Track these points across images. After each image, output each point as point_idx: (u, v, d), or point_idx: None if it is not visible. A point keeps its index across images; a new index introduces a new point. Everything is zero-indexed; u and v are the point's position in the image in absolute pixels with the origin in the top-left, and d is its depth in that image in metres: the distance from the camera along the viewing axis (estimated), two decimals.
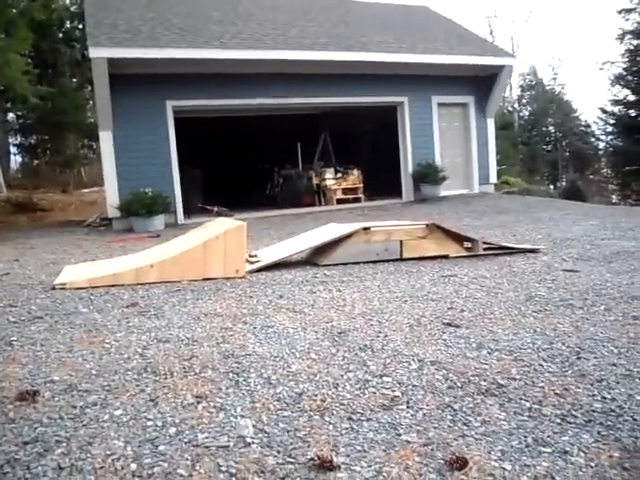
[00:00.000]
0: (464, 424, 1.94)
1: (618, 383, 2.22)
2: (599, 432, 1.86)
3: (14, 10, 16.38)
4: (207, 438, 1.88)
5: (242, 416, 2.04)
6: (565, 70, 64.59)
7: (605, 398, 2.10)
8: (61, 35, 23.16)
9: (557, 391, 2.17)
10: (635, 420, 1.92)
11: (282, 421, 2.00)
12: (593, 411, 2.00)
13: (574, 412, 2.00)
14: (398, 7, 16.29)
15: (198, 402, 2.17)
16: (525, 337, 2.83)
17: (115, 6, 11.90)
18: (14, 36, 15.46)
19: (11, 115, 24.46)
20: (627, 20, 25.08)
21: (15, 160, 25.68)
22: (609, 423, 1.91)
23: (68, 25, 24.51)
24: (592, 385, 2.21)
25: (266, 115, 13.79)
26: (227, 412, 2.08)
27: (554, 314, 3.23)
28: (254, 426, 1.96)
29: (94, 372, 2.52)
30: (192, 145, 12.15)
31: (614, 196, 29.26)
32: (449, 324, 3.10)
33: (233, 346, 2.83)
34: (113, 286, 4.33)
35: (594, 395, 2.12)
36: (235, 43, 10.54)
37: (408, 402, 2.13)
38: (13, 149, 24.88)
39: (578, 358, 2.51)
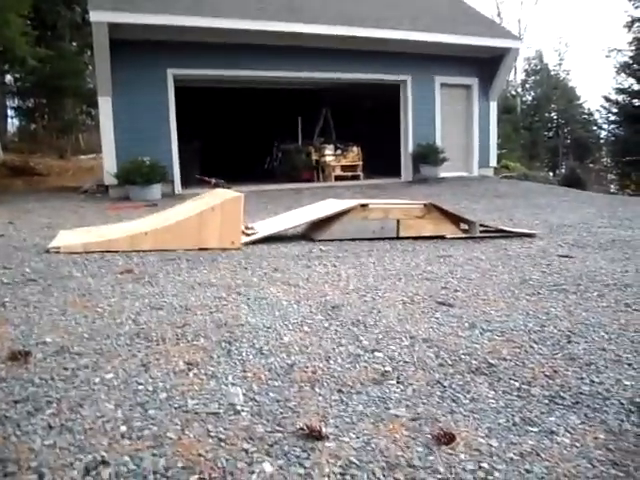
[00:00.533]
0: (453, 401, 1.96)
1: (607, 367, 2.24)
2: (586, 414, 1.88)
3: None
4: (197, 404, 1.89)
5: (233, 384, 2.05)
6: (571, 56, 63.98)
7: (593, 381, 2.11)
8: None
9: (546, 373, 2.19)
10: (622, 404, 1.94)
11: (272, 391, 2.01)
12: (581, 393, 2.02)
13: (562, 394, 2.01)
14: None
15: (189, 369, 2.18)
16: (517, 319, 2.84)
17: None
18: None
19: (9, 77, 24.11)
20: (637, 8, 24.75)
21: (12, 123, 25.38)
22: (596, 406, 1.93)
23: None
24: (581, 368, 2.23)
25: (267, 88, 13.64)
26: (218, 380, 2.09)
27: (547, 298, 3.25)
28: (244, 394, 1.97)
29: (86, 335, 2.52)
30: (191, 116, 12.01)
31: (613, 185, 29.24)
32: (442, 303, 3.11)
33: (226, 316, 2.84)
34: (108, 252, 4.32)
35: (583, 378, 2.14)
36: (239, 13, 10.34)
37: (398, 377, 2.14)
38: (10, 112, 24.58)
39: (569, 342, 2.53)
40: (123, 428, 1.73)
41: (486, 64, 12.63)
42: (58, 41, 22.19)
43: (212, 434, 1.71)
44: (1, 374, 2.10)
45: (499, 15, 35.05)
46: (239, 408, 1.87)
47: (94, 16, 9.04)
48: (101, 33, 9.03)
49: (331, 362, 2.28)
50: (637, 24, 24.73)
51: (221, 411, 1.85)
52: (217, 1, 10.71)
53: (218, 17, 9.98)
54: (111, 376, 2.11)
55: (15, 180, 13.94)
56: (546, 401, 1.96)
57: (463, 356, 2.35)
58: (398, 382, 2.10)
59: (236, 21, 10.02)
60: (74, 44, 23.80)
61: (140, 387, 2.02)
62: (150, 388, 2.01)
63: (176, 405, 1.88)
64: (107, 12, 9.15)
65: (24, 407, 1.85)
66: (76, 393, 1.96)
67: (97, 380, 2.07)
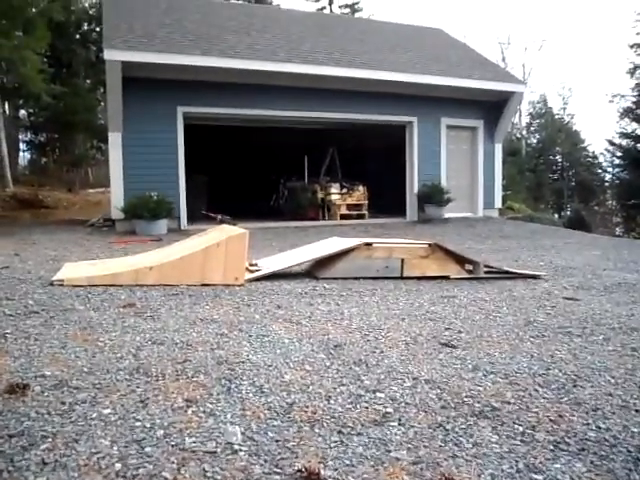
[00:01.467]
0: (455, 445, 1.92)
1: (614, 413, 2.20)
2: (592, 462, 1.83)
3: (34, 9, 16.59)
4: (195, 443, 1.86)
5: (231, 423, 2.02)
6: (575, 100, 64.92)
7: (600, 427, 2.07)
8: (78, 36, 23.41)
9: (551, 417, 2.15)
10: (629, 452, 1.89)
11: (271, 430, 1.97)
12: (587, 440, 1.97)
13: (568, 439, 1.97)
14: (413, 28, 16.43)
15: (188, 406, 2.15)
16: (522, 362, 2.80)
17: (133, 11, 12.03)
18: (32, 35, 15.64)
19: (23, 112, 24.65)
20: (639, 55, 25.25)
21: (24, 157, 25.83)
22: (603, 453, 1.88)
23: (85, 27, 24.79)
24: (587, 414, 2.19)
25: (275, 127, 13.86)
26: (217, 418, 2.06)
27: (552, 340, 3.21)
28: (243, 434, 1.94)
29: (86, 369, 2.50)
30: (199, 152, 12.19)
31: (618, 228, 29.22)
32: (446, 344, 3.08)
33: (227, 352, 2.81)
34: (112, 286, 4.32)
35: (589, 424, 2.10)
36: (248, 54, 10.61)
37: (400, 419, 2.10)
38: (23, 146, 25.03)
39: (574, 386, 2.48)
40: (118, 465, 1.69)
41: (491, 107, 12.83)
42: (73, 78, 22.76)
43: (208, 474, 1.67)
44: None
45: (504, 60, 35.79)
46: (237, 447, 1.84)
47: (108, 55, 9.29)
48: (114, 71, 9.26)
49: (332, 402, 2.24)
50: (639, 70, 25.18)
51: (218, 450, 1.82)
52: (228, 42, 11.00)
53: (228, 57, 10.23)
54: (109, 411, 2.08)
55: (24, 212, 14.09)
56: (551, 447, 1.92)
57: (466, 399, 2.31)
58: (399, 424, 2.06)
59: (246, 62, 10.27)
60: (88, 81, 24.40)
61: (137, 423, 1.99)
62: (148, 425, 1.98)
63: (173, 443, 1.85)
64: (121, 51, 9.42)
65: (18, 442, 1.82)
66: (72, 428, 1.93)
67: (94, 415, 2.04)
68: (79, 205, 16.68)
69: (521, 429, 2.04)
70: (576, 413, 2.19)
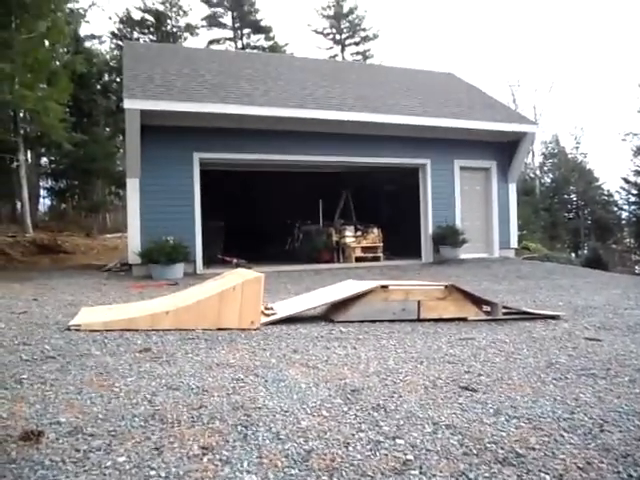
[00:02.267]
0: None
1: None
2: None
3: (57, 62, 17.27)
4: None
5: (248, 472, 1.97)
6: (587, 139, 65.17)
7: (631, 476, 1.98)
8: (99, 87, 24.27)
9: (579, 464, 2.07)
10: None
11: (289, 479, 1.92)
12: None
13: None
14: (424, 72, 16.76)
15: (204, 454, 2.11)
16: (545, 405, 2.72)
17: (152, 61, 12.46)
18: (55, 86, 16.24)
19: (44, 160, 25.34)
20: None
21: (44, 203, 26.39)
22: None
23: (106, 78, 25.72)
24: (617, 460, 2.10)
25: (290, 171, 14.05)
26: (233, 466, 2.01)
27: (575, 383, 3.12)
28: None
29: (101, 416, 2.48)
30: (215, 197, 12.36)
31: (637, 266, 28.79)
32: (466, 388, 3.01)
33: (243, 398, 2.77)
34: (128, 330, 4.32)
35: (619, 472, 2.01)
36: (264, 101, 10.88)
37: (421, 467, 2.04)
38: (43, 192, 25.61)
39: (601, 430, 2.40)
40: None
41: (504, 148, 12.92)
42: (93, 126, 23.48)
43: None
44: (12, 455, 2.05)
45: (514, 102, 36.23)
46: None
47: (128, 104, 9.57)
48: (133, 119, 9.53)
49: (350, 449, 2.19)
50: None
51: None
52: (243, 90, 11.30)
53: (244, 105, 10.48)
54: (123, 459, 2.04)
55: (42, 257, 14.28)
56: None
57: (489, 445, 2.24)
58: (421, 472, 2.00)
59: (261, 109, 10.51)
60: (107, 129, 25.13)
61: (152, 472, 1.95)
62: (163, 474, 1.94)
63: None
64: (140, 100, 9.71)
65: None
66: (87, 477, 1.90)
67: (109, 464, 2.01)
68: (97, 250, 16.88)
69: (548, 478, 1.97)
70: (605, 460, 2.11)
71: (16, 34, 14.27)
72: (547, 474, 1.99)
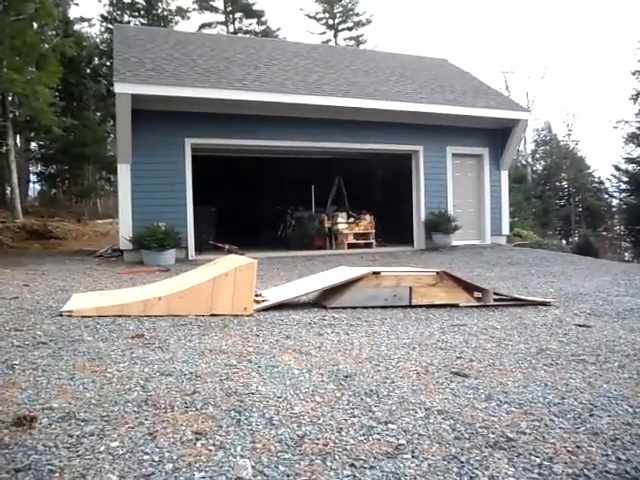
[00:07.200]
0: (470, 477, 1.87)
1: (633, 444, 2.14)
2: None
3: (47, 45, 17.02)
4: (204, 477, 1.82)
5: (242, 456, 1.98)
6: (579, 127, 65.29)
7: (620, 459, 2.01)
8: (89, 70, 23.96)
9: (569, 448, 2.09)
10: None
11: (282, 464, 1.93)
12: (607, 472, 1.91)
13: (587, 472, 1.91)
14: (417, 58, 16.66)
15: (197, 439, 2.11)
16: (536, 391, 2.75)
17: (143, 45, 12.30)
18: (45, 70, 16.01)
19: (34, 144, 25.08)
20: None
21: (34, 188, 26.18)
22: None
23: (96, 61, 25.39)
24: (606, 444, 2.13)
25: (282, 157, 13.99)
26: (226, 451, 2.02)
27: (566, 368, 3.15)
28: (253, 467, 1.90)
29: (94, 401, 2.47)
30: (207, 182, 12.30)
31: (627, 253, 29.04)
32: (457, 373, 3.03)
33: (236, 384, 2.78)
34: (120, 316, 4.31)
35: (608, 455, 2.04)
36: (256, 86, 10.78)
37: (413, 451, 2.06)
38: (33, 177, 25.38)
39: (591, 415, 2.43)
40: None
41: (496, 134, 12.92)
42: (83, 111, 23.21)
43: None
44: (4, 440, 2.05)
45: (507, 88, 36.19)
46: None
47: (118, 88, 9.46)
48: (124, 103, 9.42)
49: (343, 434, 2.20)
50: None
51: None
52: (235, 75, 11.19)
53: (236, 89, 10.39)
54: (117, 444, 2.05)
55: (33, 243, 14.18)
56: (570, 479, 1.86)
57: (480, 429, 2.26)
58: (413, 456, 2.02)
59: (254, 94, 10.43)
60: (98, 114, 24.86)
61: (146, 457, 1.95)
62: (156, 458, 1.94)
63: (182, 477, 1.82)
64: (131, 84, 9.60)
65: (25, 476, 1.79)
66: (80, 462, 1.90)
67: (102, 449, 2.01)
68: (88, 236, 16.79)
69: (538, 461, 1.99)
70: (594, 444, 2.13)
71: (4, 16, 14.04)
72: (537, 457, 2.01)
